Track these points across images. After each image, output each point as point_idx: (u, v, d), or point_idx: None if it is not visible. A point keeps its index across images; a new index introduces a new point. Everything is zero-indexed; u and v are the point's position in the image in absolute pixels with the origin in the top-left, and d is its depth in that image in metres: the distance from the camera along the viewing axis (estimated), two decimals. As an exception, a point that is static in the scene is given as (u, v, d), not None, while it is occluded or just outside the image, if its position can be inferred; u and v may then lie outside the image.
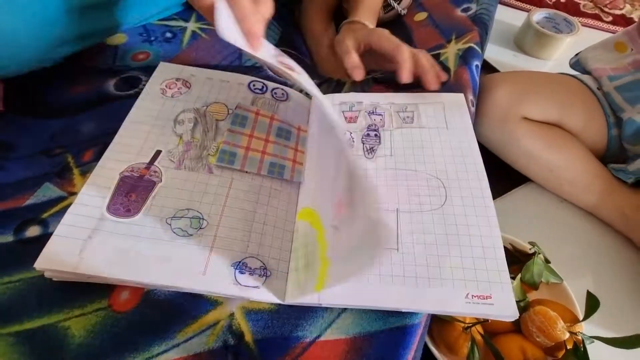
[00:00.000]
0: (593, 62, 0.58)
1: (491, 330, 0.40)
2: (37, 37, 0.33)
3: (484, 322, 0.39)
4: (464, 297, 0.25)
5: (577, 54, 0.61)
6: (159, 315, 0.26)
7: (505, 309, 0.25)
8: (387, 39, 0.43)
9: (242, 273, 0.27)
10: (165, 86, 0.38)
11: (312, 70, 0.52)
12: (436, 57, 0.44)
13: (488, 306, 0.25)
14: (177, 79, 0.39)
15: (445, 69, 0.44)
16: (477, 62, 0.46)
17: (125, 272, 0.26)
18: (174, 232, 0.28)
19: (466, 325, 0.38)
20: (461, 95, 0.41)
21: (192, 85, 0.39)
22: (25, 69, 0.34)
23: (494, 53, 0.81)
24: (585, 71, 0.59)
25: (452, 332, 0.38)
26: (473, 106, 0.42)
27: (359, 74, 0.43)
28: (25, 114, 0.37)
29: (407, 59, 0.41)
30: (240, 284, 0.27)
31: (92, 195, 0.29)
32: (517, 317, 0.25)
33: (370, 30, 0.45)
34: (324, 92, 0.45)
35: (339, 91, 0.45)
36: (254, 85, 0.41)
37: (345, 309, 0.27)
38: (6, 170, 0.32)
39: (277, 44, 0.54)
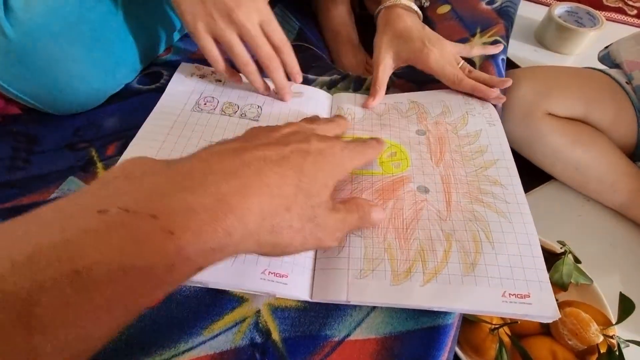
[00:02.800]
0: (626, 54, 0.55)
1: (519, 332, 0.39)
2: (112, 84, 0.39)
3: (511, 324, 0.37)
4: (501, 296, 0.24)
5: (606, 47, 0.59)
6: (185, 311, 0.26)
7: (545, 309, 0.24)
8: (443, 70, 0.38)
9: (269, 269, 0.26)
10: (203, 102, 0.38)
11: (330, 66, 0.51)
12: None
13: (527, 306, 0.24)
14: (213, 97, 0.39)
15: (471, 63, 0.43)
16: (503, 56, 0.45)
17: None
18: None
19: (493, 326, 0.37)
20: (491, 107, 0.39)
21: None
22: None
23: (514, 48, 0.79)
24: (615, 64, 0.57)
25: (479, 333, 0.37)
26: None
27: (372, 102, 0.39)
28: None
29: (474, 88, 0.38)
30: (267, 280, 0.26)
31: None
32: (557, 318, 0.23)
33: (416, 47, 0.39)
34: (345, 89, 0.44)
35: (360, 87, 0.44)
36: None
37: (374, 307, 0.27)
38: (31, 164, 0.32)
39: (295, 39, 0.54)
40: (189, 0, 0.32)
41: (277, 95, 0.38)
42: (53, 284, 0.12)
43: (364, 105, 0.39)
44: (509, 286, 0.25)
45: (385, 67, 0.40)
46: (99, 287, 0.13)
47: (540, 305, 0.24)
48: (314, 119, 0.29)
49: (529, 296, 0.24)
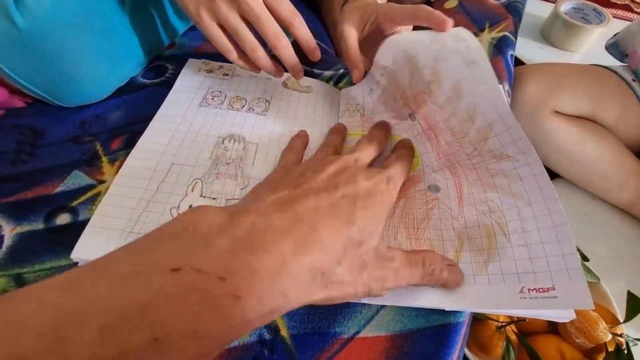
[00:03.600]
0: (631, 44, 0.54)
1: (526, 330, 0.39)
2: (119, 76, 0.38)
3: (518, 322, 0.37)
4: (518, 293, 0.22)
5: (614, 35, 0.58)
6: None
7: (575, 301, 0.20)
8: (400, 8, 0.32)
9: None
10: (210, 97, 0.37)
11: (336, 60, 0.51)
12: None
13: (551, 300, 0.21)
14: (220, 92, 0.38)
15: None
16: (511, 52, 0.44)
17: None
18: None
19: (500, 324, 0.37)
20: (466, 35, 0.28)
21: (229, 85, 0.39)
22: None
23: (519, 45, 0.79)
24: (622, 54, 0.56)
25: (486, 331, 0.37)
26: (509, 97, 0.40)
27: (358, 75, 0.35)
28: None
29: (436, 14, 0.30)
30: None
31: (125, 186, 0.29)
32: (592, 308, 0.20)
33: (379, 4, 0.35)
34: (351, 83, 0.43)
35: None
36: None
37: (384, 305, 0.26)
38: (36, 157, 0.32)
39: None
40: None
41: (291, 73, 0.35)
42: (135, 352, 0.12)
43: (354, 82, 0.36)
44: (527, 281, 0.23)
45: (352, 35, 0.35)
46: (171, 353, 0.13)
47: (569, 297, 0.21)
48: (356, 149, 0.27)
49: (553, 289, 0.21)
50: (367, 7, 0.35)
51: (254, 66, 0.35)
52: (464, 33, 0.28)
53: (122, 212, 0.27)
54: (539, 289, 0.22)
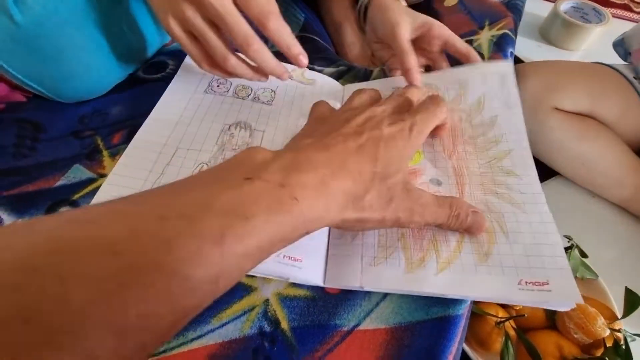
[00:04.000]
0: (636, 43, 0.55)
1: (525, 326, 0.39)
2: (119, 72, 0.38)
3: (517, 317, 0.37)
4: (517, 284, 0.24)
5: (623, 34, 0.58)
6: (193, 300, 0.26)
7: (566, 296, 0.23)
8: (461, 41, 0.38)
9: (284, 252, 0.26)
10: (216, 84, 0.37)
11: (336, 57, 0.51)
12: (469, 43, 0.43)
13: (545, 293, 0.23)
14: (226, 80, 0.38)
15: (479, 55, 0.42)
16: (511, 49, 0.44)
17: None
18: None
19: (499, 319, 0.37)
20: (509, 64, 0.38)
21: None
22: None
23: (518, 44, 0.79)
24: (627, 53, 0.57)
25: (485, 326, 0.37)
26: (508, 93, 0.40)
27: (418, 77, 0.35)
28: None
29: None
30: (282, 263, 0.26)
31: (123, 176, 0.29)
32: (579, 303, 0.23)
33: (428, 19, 0.38)
34: (351, 81, 0.43)
35: (367, 78, 0.44)
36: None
37: (383, 298, 0.26)
38: (37, 151, 0.32)
39: (300, 31, 0.53)
40: None
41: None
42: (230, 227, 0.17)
43: (410, 82, 0.37)
44: (525, 274, 0.24)
45: (406, 35, 0.37)
46: (258, 232, 0.17)
47: (561, 292, 0.23)
48: (386, 101, 0.28)
49: (547, 284, 0.24)
50: (417, 17, 0.38)
51: (234, 74, 0.32)
52: (509, 82, 0.36)
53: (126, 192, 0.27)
54: (535, 282, 0.24)
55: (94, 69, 0.34)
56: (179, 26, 0.29)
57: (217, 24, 0.28)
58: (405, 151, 0.25)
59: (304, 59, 0.31)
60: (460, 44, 0.39)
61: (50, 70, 0.32)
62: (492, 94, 0.35)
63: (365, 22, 0.45)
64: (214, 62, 0.31)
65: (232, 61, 0.30)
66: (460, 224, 0.26)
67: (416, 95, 0.30)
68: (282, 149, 0.23)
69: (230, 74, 0.32)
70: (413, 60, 0.36)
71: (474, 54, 0.39)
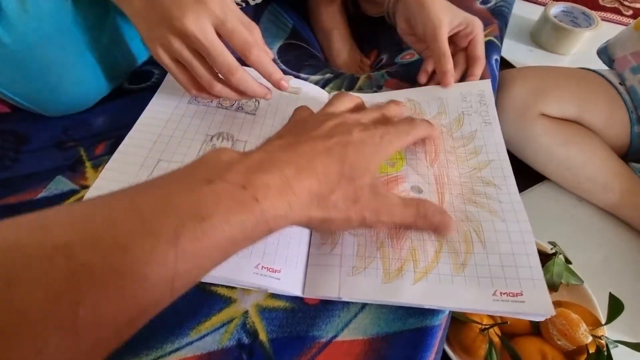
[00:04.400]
0: (619, 50, 0.55)
1: (509, 332, 0.39)
2: (105, 87, 0.38)
3: (501, 324, 0.38)
4: (492, 295, 0.24)
5: (607, 41, 0.59)
6: (172, 312, 0.26)
7: (538, 307, 0.24)
8: (481, 44, 0.39)
9: (262, 264, 0.27)
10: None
11: (324, 64, 0.51)
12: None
13: (519, 304, 0.24)
14: None
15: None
16: (496, 56, 0.44)
17: None
18: None
19: (483, 326, 0.37)
20: (487, 81, 0.39)
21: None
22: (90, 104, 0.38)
23: (509, 48, 0.79)
24: (610, 61, 0.57)
25: (469, 333, 0.37)
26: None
27: (452, 82, 0.38)
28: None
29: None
30: (260, 275, 0.26)
31: (104, 189, 0.29)
32: (552, 315, 0.23)
33: (467, 17, 0.39)
34: (338, 87, 0.44)
35: (354, 85, 0.44)
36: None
37: (362, 308, 0.27)
38: (20, 163, 0.32)
39: (288, 38, 0.53)
40: (145, 25, 0.29)
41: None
42: (183, 224, 0.17)
43: (443, 86, 0.39)
44: (500, 285, 0.25)
45: (446, 37, 0.37)
46: (215, 232, 0.17)
47: (534, 303, 0.24)
48: (360, 112, 0.29)
49: (521, 294, 0.24)
50: (456, 14, 0.39)
51: (220, 97, 0.34)
52: (487, 99, 0.38)
53: None
54: (509, 293, 0.24)
55: (80, 84, 0.35)
56: (167, 55, 0.30)
57: (203, 55, 0.29)
58: (374, 157, 0.25)
59: (285, 83, 0.33)
60: (480, 50, 0.39)
61: (36, 86, 0.32)
62: (471, 110, 0.37)
63: (395, 11, 0.43)
64: (201, 87, 0.32)
65: (218, 87, 0.32)
66: (428, 224, 0.26)
67: (394, 112, 0.30)
68: (253, 149, 0.24)
69: (217, 97, 0.34)
70: (450, 64, 0.37)
71: (479, 69, 0.39)
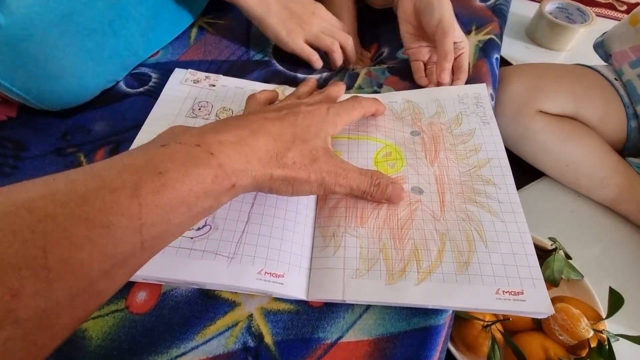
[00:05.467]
0: (617, 44, 0.55)
1: (511, 329, 0.39)
2: (103, 78, 0.38)
3: (504, 321, 0.38)
4: (494, 294, 0.25)
5: (602, 34, 0.59)
6: (177, 317, 0.26)
7: (538, 306, 0.24)
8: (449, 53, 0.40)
9: (265, 269, 0.27)
10: (197, 107, 0.38)
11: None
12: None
13: (520, 303, 0.24)
14: (207, 102, 0.39)
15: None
16: (497, 55, 0.45)
17: (147, 269, 0.25)
18: (196, 228, 0.28)
19: (486, 323, 0.37)
20: (482, 85, 0.40)
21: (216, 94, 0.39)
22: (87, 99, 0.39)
23: (505, 45, 0.79)
24: (607, 55, 0.57)
25: (472, 330, 0.38)
26: (492, 100, 0.40)
27: (448, 80, 0.40)
28: (37, 113, 0.36)
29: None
30: (264, 280, 0.26)
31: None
32: (551, 314, 0.24)
33: (463, 34, 0.41)
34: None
35: (354, 81, 0.44)
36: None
37: (366, 309, 0.27)
38: (19, 170, 0.32)
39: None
40: (276, 20, 0.39)
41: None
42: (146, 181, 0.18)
43: (440, 82, 0.40)
44: (502, 284, 0.25)
45: (454, 34, 0.39)
46: (174, 184, 0.19)
47: (534, 302, 0.24)
48: (307, 98, 0.32)
49: (523, 293, 0.24)
50: (458, 27, 0.40)
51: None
52: (484, 102, 0.38)
53: None
54: (511, 291, 0.24)
55: (79, 74, 0.34)
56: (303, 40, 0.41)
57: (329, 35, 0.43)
58: (322, 125, 0.27)
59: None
60: (466, 64, 0.41)
61: (34, 74, 0.32)
62: (469, 111, 0.37)
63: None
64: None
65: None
66: (381, 193, 0.28)
67: (335, 92, 0.33)
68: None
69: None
70: (451, 63, 0.39)
71: (464, 77, 0.41)
